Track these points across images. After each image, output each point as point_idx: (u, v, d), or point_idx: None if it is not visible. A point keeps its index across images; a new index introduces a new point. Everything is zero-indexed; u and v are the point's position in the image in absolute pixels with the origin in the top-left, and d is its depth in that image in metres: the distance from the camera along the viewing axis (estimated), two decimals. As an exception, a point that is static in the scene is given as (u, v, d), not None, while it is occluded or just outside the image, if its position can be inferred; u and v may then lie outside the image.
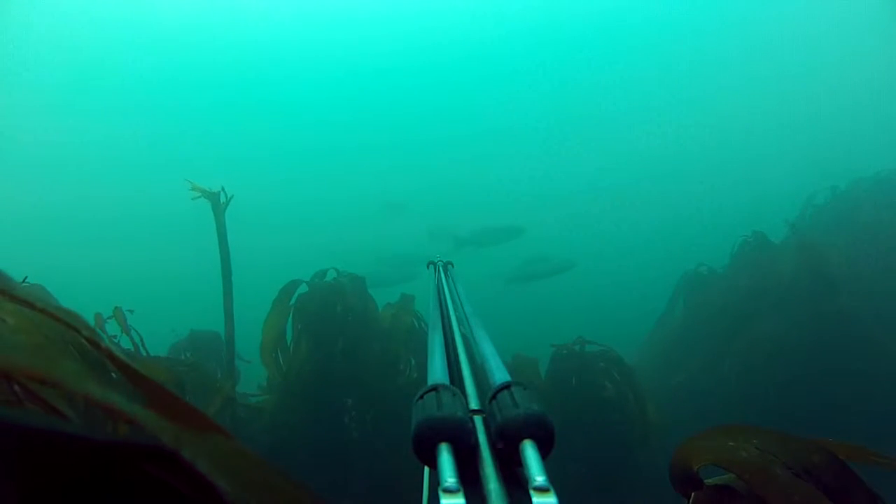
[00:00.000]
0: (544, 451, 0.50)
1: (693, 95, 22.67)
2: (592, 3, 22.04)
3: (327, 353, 3.92)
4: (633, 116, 23.23)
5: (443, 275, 1.67)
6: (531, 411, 0.53)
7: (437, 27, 23.49)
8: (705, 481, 0.90)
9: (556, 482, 0.44)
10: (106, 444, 0.35)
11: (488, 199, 21.80)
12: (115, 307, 3.40)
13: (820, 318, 4.66)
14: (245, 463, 0.39)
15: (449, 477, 0.46)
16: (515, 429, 0.52)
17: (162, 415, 0.37)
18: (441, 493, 0.45)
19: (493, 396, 0.60)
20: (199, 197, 3.66)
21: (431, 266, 1.86)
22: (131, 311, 3.43)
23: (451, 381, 0.73)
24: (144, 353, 3.37)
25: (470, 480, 0.48)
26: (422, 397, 0.58)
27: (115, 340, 3.12)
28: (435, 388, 0.59)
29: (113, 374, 0.51)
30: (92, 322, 3.08)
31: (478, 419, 0.60)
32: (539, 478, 0.45)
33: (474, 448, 0.54)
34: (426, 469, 0.59)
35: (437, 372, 0.75)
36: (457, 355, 0.89)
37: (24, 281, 2.20)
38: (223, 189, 3.75)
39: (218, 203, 3.71)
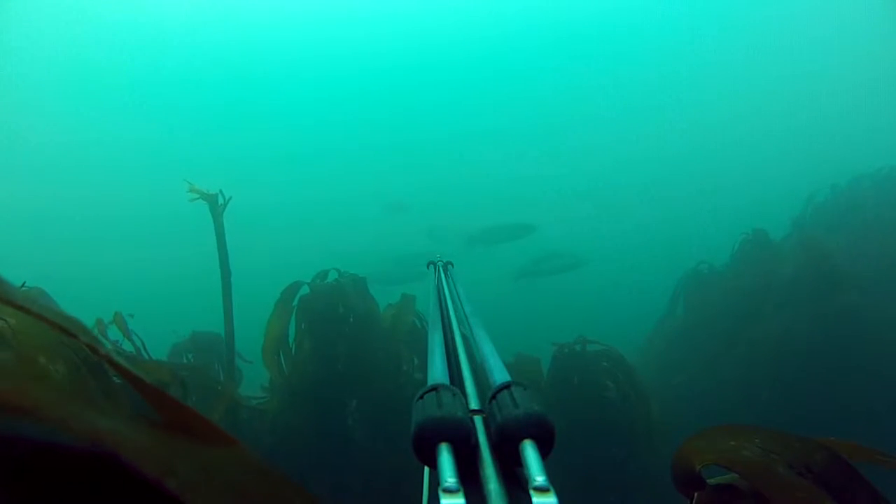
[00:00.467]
0: (544, 451, 0.50)
1: (695, 95, 22.75)
2: (601, 3, 22.04)
3: (329, 354, 3.92)
4: (634, 116, 23.29)
5: (443, 275, 1.66)
6: (531, 411, 0.53)
7: (442, 26, 23.48)
8: (708, 481, 0.90)
9: (557, 482, 0.44)
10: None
11: (496, 198, 21.79)
12: (116, 312, 3.40)
13: (821, 316, 4.64)
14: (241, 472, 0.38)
15: (449, 477, 0.46)
16: (515, 429, 0.52)
17: (155, 431, 0.35)
18: (441, 493, 0.44)
19: (493, 396, 0.60)
20: (197, 199, 3.66)
21: (431, 266, 1.85)
22: (131, 316, 3.43)
23: (452, 381, 0.73)
24: (147, 357, 3.37)
25: (470, 480, 0.48)
26: (422, 397, 0.58)
27: (118, 344, 3.12)
28: (435, 388, 0.59)
29: (115, 379, 0.50)
30: (93, 327, 3.09)
31: (478, 419, 0.60)
32: (539, 478, 0.45)
33: (474, 448, 0.54)
34: (426, 469, 0.58)
35: (437, 372, 0.75)
36: (457, 355, 0.88)
37: (23, 285, 2.20)
38: (221, 191, 3.75)
39: (216, 205, 3.71)
